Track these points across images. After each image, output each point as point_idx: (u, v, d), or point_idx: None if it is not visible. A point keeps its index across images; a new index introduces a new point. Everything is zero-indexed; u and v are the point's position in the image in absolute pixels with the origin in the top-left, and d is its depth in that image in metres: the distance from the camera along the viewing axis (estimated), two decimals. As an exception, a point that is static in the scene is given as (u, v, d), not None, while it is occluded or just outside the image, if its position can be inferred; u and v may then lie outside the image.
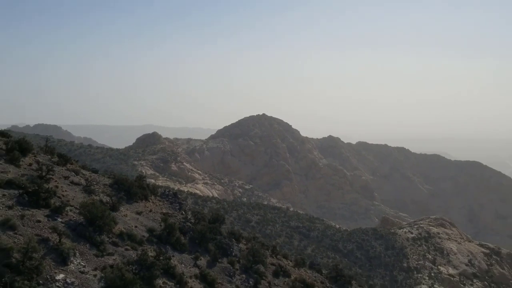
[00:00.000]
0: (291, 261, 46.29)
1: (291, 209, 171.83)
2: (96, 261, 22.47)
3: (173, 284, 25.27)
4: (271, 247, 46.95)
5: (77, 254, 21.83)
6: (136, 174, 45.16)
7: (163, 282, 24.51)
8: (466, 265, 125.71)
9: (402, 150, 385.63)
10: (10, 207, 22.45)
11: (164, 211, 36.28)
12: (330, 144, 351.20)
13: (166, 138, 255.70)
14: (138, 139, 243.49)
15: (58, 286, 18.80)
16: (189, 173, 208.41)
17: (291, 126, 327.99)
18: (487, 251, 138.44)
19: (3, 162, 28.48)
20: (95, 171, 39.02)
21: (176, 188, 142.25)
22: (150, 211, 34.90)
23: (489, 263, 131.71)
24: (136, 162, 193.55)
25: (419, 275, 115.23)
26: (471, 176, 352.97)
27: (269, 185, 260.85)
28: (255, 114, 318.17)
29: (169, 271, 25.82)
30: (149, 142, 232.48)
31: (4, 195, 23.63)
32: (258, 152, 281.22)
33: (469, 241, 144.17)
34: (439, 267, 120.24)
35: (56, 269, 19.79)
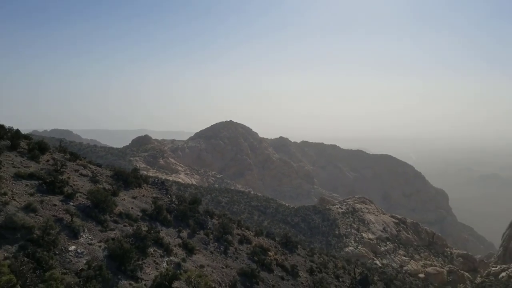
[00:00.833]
0: (252, 231, 46.39)
1: (252, 192, 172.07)
2: (101, 235, 22.14)
3: (161, 251, 25.07)
4: (237, 221, 46.94)
5: (86, 230, 21.49)
6: (131, 168, 44.35)
7: (154, 250, 24.29)
8: (381, 231, 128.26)
9: (334, 147, 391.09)
10: (31, 194, 22.08)
11: (154, 195, 35.87)
12: (281, 143, 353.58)
13: (155, 140, 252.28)
14: (133, 140, 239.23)
15: (70, 255, 18.48)
16: (174, 166, 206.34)
17: (251, 129, 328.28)
18: (396, 220, 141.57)
19: (26, 159, 27.91)
20: (99, 166, 38.30)
21: (163, 178, 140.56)
22: (143, 195, 34.49)
23: (398, 229, 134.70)
24: (132, 158, 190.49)
25: (347, 239, 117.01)
26: (385, 166, 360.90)
27: (235, 174, 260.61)
28: (224, 120, 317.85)
29: (158, 241, 25.64)
30: (142, 143, 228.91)
31: (27, 185, 23.27)
32: (226, 149, 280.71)
33: (383, 214, 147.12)
34: (361, 233, 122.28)
35: (69, 242, 19.47)
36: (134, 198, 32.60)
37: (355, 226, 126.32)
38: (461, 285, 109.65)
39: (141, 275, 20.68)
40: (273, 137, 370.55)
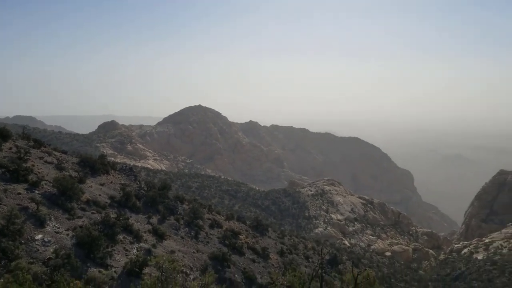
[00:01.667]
0: (223, 216, 46.60)
1: (222, 177, 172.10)
2: (68, 223, 21.77)
3: (131, 238, 24.90)
4: (208, 206, 47.06)
5: (52, 218, 21.07)
6: (98, 154, 43.47)
7: (123, 237, 24.11)
8: (350, 212, 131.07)
9: (303, 131, 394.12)
10: (-6, 184, 21.31)
11: (122, 182, 35.41)
12: (251, 127, 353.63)
13: (123, 125, 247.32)
14: (100, 126, 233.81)
15: (37, 244, 18.14)
16: (142, 152, 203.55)
17: (220, 113, 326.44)
18: (364, 201, 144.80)
19: (-14, 147, 26.91)
20: (64, 152, 37.35)
21: (131, 164, 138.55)
22: (111, 182, 34.00)
23: (365, 210, 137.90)
24: (98, 144, 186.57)
25: (317, 221, 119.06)
26: (353, 148, 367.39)
27: (205, 159, 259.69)
28: (193, 105, 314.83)
29: (128, 228, 25.43)
30: (109, 128, 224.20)
31: (-12, 174, 22.46)
32: (196, 134, 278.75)
33: (352, 195, 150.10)
34: (330, 214, 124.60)
35: (35, 231, 19.07)
36: (102, 185, 32.10)
37: (324, 207, 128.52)
38: (426, 262, 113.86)
39: (111, 262, 20.54)
40: (242, 121, 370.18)
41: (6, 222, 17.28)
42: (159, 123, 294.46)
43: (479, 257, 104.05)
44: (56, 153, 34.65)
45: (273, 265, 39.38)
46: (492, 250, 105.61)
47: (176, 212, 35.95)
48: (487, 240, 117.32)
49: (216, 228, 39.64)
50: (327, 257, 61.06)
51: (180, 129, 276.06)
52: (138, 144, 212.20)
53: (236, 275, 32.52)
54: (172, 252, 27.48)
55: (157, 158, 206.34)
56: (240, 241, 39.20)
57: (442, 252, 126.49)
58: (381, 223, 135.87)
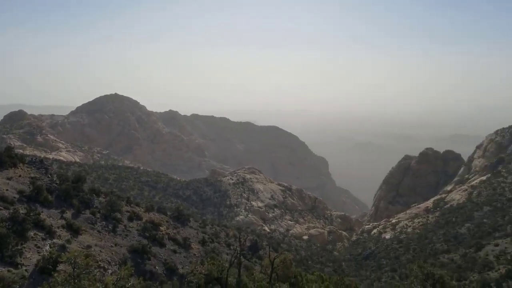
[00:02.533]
0: (142, 208, 45.69)
1: (142, 168, 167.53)
2: (-29, 222, 20.11)
3: (43, 234, 23.63)
4: (126, 198, 45.78)
5: (-49, 217, 19.33)
6: (4, 146, 40.41)
7: (34, 234, 22.82)
8: (269, 199, 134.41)
9: (224, 119, 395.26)
10: None
11: (32, 175, 33.27)
12: (171, 116, 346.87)
13: (32, 115, 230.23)
14: (5, 116, 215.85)
15: None
16: (53, 143, 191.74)
17: (138, 102, 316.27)
18: (283, 188, 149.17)
19: None
20: (-36, 145, 34.28)
21: (42, 156, 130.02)
22: (20, 176, 31.84)
23: (284, 196, 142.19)
24: (4, 136, 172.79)
25: (238, 209, 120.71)
26: (272, 136, 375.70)
27: (122, 150, 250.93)
28: (108, 93, 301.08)
29: (39, 224, 24.08)
30: (16, 119, 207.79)
31: None
32: (112, 124, 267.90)
33: (271, 182, 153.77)
34: (251, 202, 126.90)
35: None
36: (9, 179, 29.97)
37: (245, 195, 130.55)
38: (340, 243, 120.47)
39: (21, 261, 19.38)
40: (162, 110, 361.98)
41: None
42: (72, 113, 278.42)
43: (387, 236, 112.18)
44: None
45: (194, 254, 39.43)
46: (398, 230, 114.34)
47: (92, 206, 34.59)
48: (393, 221, 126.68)
49: (136, 220, 38.78)
50: (248, 243, 62.27)
51: (95, 119, 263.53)
52: (49, 135, 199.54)
53: (157, 267, 32.13)
54: (89, 247, 26.48)
55: (70, 149, 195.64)
56: (161, 233, 38.72)
57: (354, 233, 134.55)
58: (299, 208, 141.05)
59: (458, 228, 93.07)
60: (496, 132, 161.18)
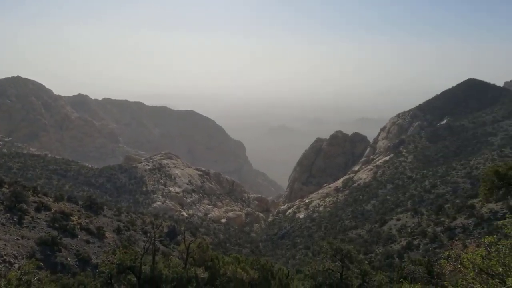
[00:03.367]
0: (51, 197, 43.26)
1: (49, 155, 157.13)
2: None
3: None
4: (32, 188, 42.98)
5: None
6: None
7: None
8: (187, 184, 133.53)
9: (138, 104, 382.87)
10: None
11: None
12: (80, 100, 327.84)
13: None
14: None
15: None
16: None
17: (44, 86, 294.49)
18: (201, 173, 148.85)
19: None
20: None
21: None
22: None
23: (202, 181, 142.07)
24: None
25: (155, 195, 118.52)
26: (188, 121, 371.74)
27: (27, 137, 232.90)
28: (9, 76, 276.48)
29: None
30: None
31: None
32: (15, 109, 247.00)
33: (189, 167, 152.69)
34: (169, 188, 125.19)
35: None
36: None
37: (162, 181, 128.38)
38: (257, 224, 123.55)
39: None
40: (71, 94, 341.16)
41: None
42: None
43: (301, 216, 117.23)
44: None
45: (109, 243, 38.22)
46: (311, 209, 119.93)
47: (-7, 198, 32.05)
48: (307, 201, 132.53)
49: (44, 211, 36.65)
50: (165, 229, 61.58)
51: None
52: None
53: (68, 259, 30.75)
54: (-9, 242, 24.59)
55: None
56: (72, 223, 37.02)
57: (271, 214, 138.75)
58: (217, 192, 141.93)
59: (365, 205, 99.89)
60: (398, 115, 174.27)
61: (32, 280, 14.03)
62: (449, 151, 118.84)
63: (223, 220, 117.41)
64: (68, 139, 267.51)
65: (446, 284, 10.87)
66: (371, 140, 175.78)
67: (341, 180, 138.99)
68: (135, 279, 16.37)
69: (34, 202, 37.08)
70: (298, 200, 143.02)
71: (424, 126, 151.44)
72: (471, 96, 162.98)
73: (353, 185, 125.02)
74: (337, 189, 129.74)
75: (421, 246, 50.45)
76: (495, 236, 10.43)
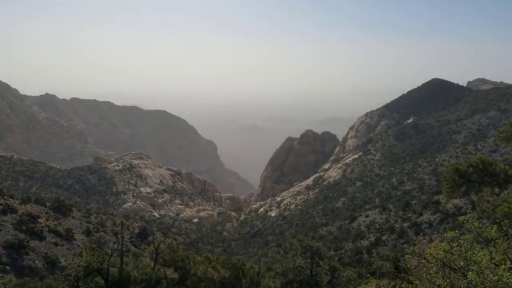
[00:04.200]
0: (17, 199, 42.03)
1: (16, 156, 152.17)
2: None
3: None
4: (-3, 190, 41.65)
5: None
6: None
7: None
8: (159, 184, 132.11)
9: (108, 103, 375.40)
10: None
11: None
12: (48, 100, 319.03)
13: None
14: None
15: None
16: None
17: (9, 85, 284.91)
18: (172, 173, 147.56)
19: None
20: None
21: None
22: None
23: (174, 181, 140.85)
24: None
25: (126, 196, 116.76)
26: (159, 121, 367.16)
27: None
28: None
29: None
30: None
31: None
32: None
33: (160, 167, 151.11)
34: (140, 188, 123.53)
35: None
36: None
37: (133, 182, 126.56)
38: (229, 223, 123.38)
39: None
40: (37, 94, 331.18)
41: None
42: None
43: (273, 214, 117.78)
44: None
45: (79, 246, 37.44)
46: (283, 207, 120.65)
47: (-44, 201, 30.86)
48: (278, 199, 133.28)
49: (10, 213, 35.58)
50: (136, 230, 60.76)
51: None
52: None
53: (36, 262, 29.96)
54: (-47, 247, 23.68)
55: None
56: (40, 225, 36.08)
57: (243, 213, 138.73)
58: (189, 192, 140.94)
59: (335, 203, 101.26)
60: (366, 114, 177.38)
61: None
62: (415, 149, 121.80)
63: (195, 220, 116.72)
64: (35, 139, 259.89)
65: (411, 279, 11.15)
66: (340, 138, 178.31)
67: (311, 178, 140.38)
68: (103, 281, 16.10)
69: (0, 204, 35.94)
70: (269, 199, 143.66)
71: (391, 125, 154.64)
72: (436, 95, 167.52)
73: (323, 183, 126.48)
74: (307, 187, 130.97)
75: (389, 242, 51.57)
76: (457, 231, 10.78)
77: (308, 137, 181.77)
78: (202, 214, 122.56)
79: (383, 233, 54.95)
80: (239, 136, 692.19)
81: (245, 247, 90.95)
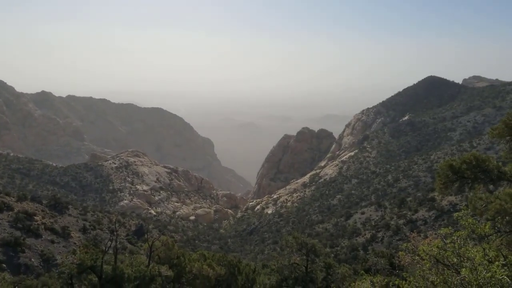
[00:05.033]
0: (14, 197, 41.90)
1: (12, 154, 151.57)
2: None
3: None
4: (-7, 188, 41.43)
5: None
6: None
7: None
8: (155, 182, 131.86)
9: (104, 101, 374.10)
10: None
11: None
12: (44, 98, 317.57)
13: None
14: None
15: None
16: None
17: (6, 83, 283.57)
18: (169, 170, 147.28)
19: None
20: None
21: None
22: None
23: (170, 178, 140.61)
24: None
25: (122, 193, 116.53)
26: (156, 118, 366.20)
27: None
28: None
29: None
30: None
31: None
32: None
33: (157, 165, 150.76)
34: (136, 186, 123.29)
35: None
36: None
37: (129, 179, 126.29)
38: (225, 221, 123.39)
39: None
40: (33, 91, 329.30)
41: None
42: None
43: (269, 211, 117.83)
44: None
45: (75, 243, 37.34)
46: (279, 205, 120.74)
47: (-49, 199, 30.71)
48: (275, 196, 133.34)
49: (6, 211, 35.47)
50: (133, 228, 60.68)
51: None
52: None
53: (32, 259, 29.87)
54: None
55: None
56: (36, 223, 35.96)
57: (239, 211, 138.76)
58: (186, 189, 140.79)
59: (331, 200, 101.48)
60: (362, 112, 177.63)
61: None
62: (411, 146, 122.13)
63: (192, 218, 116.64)
64: (31, 137, 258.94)
65: (405, 276, 11.17)
66: (336, 136, 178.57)
67: (308, 175, 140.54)
68: (97, 279, 16.04)
69: (-5, 202, 35.81)
70: (266, 196, 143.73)
71: (387, 122, 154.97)
72: (431, 92, 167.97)
73: (320, 181, 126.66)
74: (304, 185, 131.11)
75: (384, 239, 51.71)
76: (450, 228, 10.80)
77: (305, 134, 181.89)
78: (199, 211, 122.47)
79: (378, 230, 55.08)
80: (236, 134, 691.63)
81: (241, 244, 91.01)
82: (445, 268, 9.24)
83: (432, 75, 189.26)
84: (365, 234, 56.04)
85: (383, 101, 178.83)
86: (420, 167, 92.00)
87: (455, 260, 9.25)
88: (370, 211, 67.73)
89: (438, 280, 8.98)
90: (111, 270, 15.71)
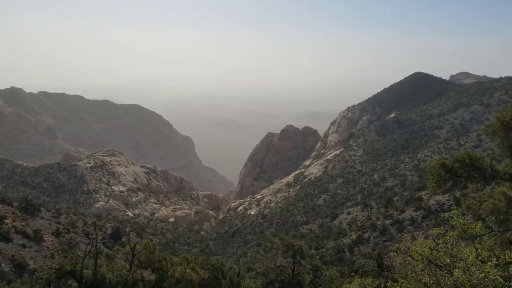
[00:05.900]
0: (-20, 199, 40.92)
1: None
2: None
3: None
4: (-41, 190, 40.55)
5: None
6: None
7: None
8: (132, 182, 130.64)
9: (78, 97, 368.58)
10: None
11: None
12: (13, 94, 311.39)
13: None
14: None
15: None
16: None
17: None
18: (147, 170, 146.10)
19: None
20: None
21: None
22: None
23: (148, 178, 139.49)
24: None
25: (97, 195, 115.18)
26: (133, 115, 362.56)
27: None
28: None
29: None
30: None
31: None
32: None
33: (134, 165, 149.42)
34: (112, 186, 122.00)
35: None
36: None
37: (105, 180, 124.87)
38: (207, 222, 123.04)
39: None
40: (3, 87, 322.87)
41: None
42: None
43: (252, 212, 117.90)
44: None
45: (48, 247, 36.78)
46: (263, 205, 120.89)
47: None
48: (258, 197, 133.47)
49: (-27, 214, 34.64)
50: (109, 231, 60.01)
51: None
52: None
53: (3, 265, 29.30)
54: None
55: None
56: (6, 226, 35.27)
57: (221, 212, 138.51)
58: (165, 190, 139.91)
59: (316, 200, 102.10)
60: (348, 109, 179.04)
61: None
62: (397, 144, 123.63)
63: (171, 219, 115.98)
64: (1, 135, 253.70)
65: (396, 277, 11.27)
66: (321, 134, 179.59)
67: (292, 175, 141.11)
68: (76, 284, 15.82)
69: (-39, 205, 35.00)
70: (249, 197, 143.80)
71: (373, 120, 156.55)
72: (418, 89, 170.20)
73: (304, 180, 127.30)
74: (288, 184, 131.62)
75: (371, 239, 52.28)
76: (442, 228, 10.94)
77: (289, 132, 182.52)
78: (179, 213, 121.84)
79: (365, 230, 55.66)
80: (217, 131, 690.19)
81: (223, 247, 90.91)
82: (437, 269, 9.35)
83: (419, 71, 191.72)
84: (351, 235, 56.56)
85: (369, 98, 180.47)
86: (407, 166, 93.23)
87: (448, 260, 9.36)
88: (356, 211, 68.40)
89: (431, 281, 9.09)
90: (92, 275, 15.50)
